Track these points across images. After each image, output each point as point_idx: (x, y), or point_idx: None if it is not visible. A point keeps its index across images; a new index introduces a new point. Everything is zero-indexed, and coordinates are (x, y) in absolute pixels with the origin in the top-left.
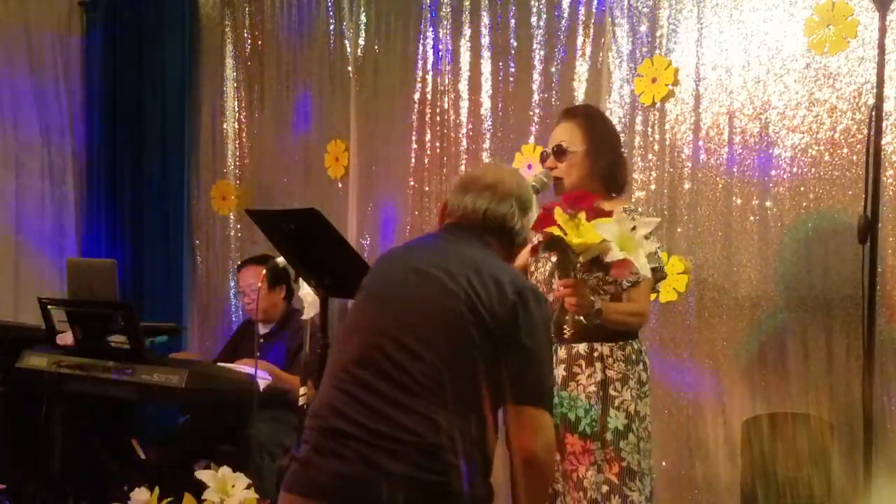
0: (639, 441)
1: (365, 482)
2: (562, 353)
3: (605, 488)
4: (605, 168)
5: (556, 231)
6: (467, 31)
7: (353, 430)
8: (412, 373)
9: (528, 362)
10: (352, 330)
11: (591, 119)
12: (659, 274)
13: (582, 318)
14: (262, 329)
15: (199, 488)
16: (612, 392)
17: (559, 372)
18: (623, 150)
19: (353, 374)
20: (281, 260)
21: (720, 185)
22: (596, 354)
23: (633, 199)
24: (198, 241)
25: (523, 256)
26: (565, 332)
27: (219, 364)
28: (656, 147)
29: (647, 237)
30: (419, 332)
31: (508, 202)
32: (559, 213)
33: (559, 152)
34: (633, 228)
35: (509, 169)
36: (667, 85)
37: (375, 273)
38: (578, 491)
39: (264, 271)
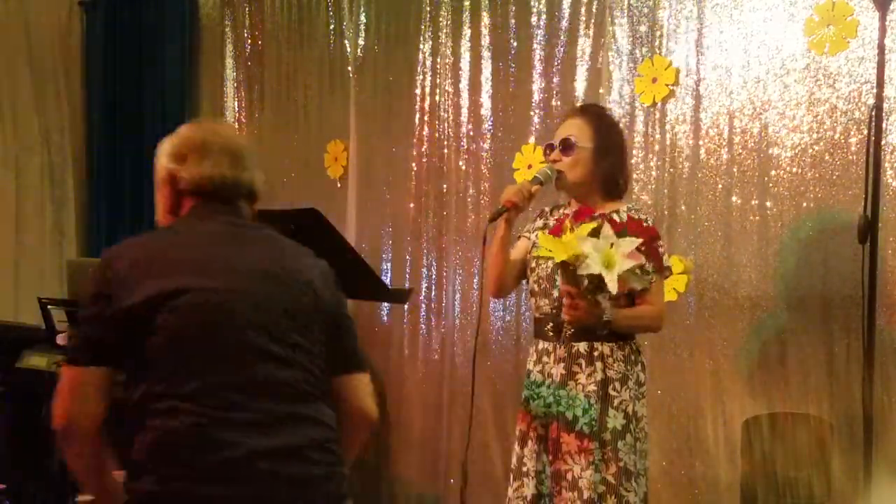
0: (635, 441)
1: (289, 495)
2: (561, 351)
3: (601, 488)
4: (608, 168)
5: (546, 254)
6: (467, 32)
7: (252, 454)
8: (288, 381)
9: (352, 335)
10: (201, 350)
11: (601, 118)
12: (667, 272)
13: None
14: None
15: None
16: (611, 392)
17: (558, 370)
18: (627, 154)
19: (228, 397)
20: None
21: (720, 185)
22: (596, 354)
23: (632, 200)
24: None
25: (521, 249)
26: (565, 330)
27: None
28: (656, 147)
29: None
30: (285, 339)
31: (253, 164)
32: (545, 238)
33: (567, 146)
34: (612, 245)
35: (225, 125)
36: (667, 85)
37: (191, 276)
38: (573, 491)
39: None
